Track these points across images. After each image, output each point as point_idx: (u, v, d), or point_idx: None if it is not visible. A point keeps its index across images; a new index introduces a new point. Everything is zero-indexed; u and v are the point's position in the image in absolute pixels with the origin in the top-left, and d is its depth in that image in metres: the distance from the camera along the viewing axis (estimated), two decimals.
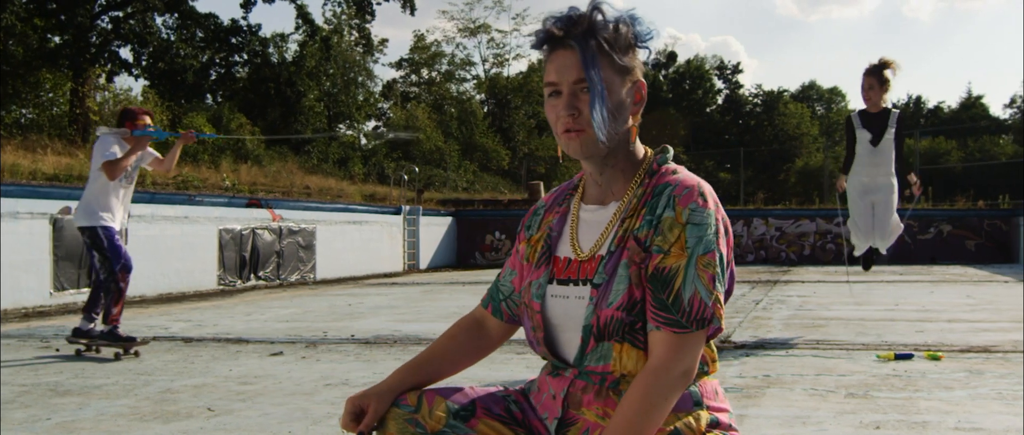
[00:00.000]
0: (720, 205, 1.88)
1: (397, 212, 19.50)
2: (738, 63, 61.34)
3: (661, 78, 56.46)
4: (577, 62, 1.82)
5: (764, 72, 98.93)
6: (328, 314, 9.71)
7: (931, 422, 4.11)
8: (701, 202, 1.82)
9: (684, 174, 1.89)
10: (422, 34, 48.15)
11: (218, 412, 4.53)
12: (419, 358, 2.07)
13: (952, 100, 62.20)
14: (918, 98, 58.48)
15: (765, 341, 6.93)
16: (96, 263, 6.59)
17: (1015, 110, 55.41)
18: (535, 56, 55.77)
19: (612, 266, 1.85)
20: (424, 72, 48.10)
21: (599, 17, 1.84)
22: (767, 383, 5.11)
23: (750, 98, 57.98)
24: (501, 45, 48.65)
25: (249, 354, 6.61)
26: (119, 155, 6.47)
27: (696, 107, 55.94)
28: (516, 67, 62.28)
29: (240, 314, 9.79)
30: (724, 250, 1.83)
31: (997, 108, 59.23)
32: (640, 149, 1.96)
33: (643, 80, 1.90)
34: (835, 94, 61.05)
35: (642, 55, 1.91)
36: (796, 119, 53.79)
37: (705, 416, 1.88)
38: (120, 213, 6.65)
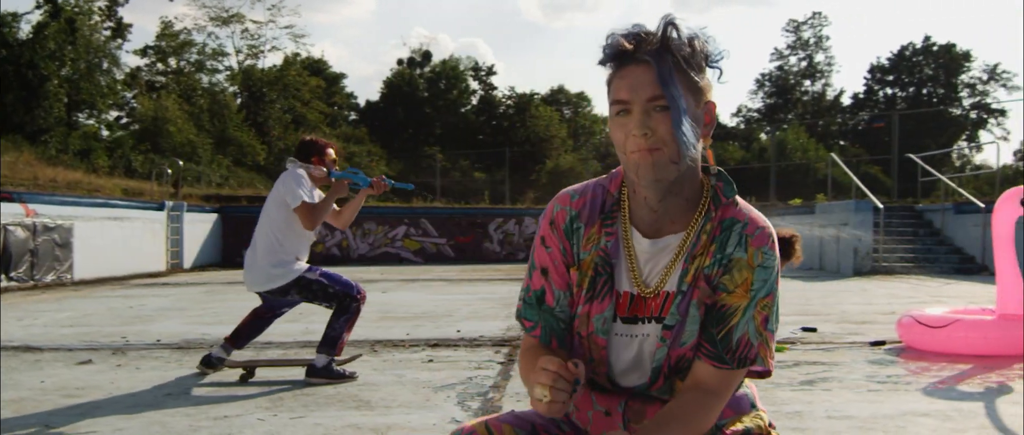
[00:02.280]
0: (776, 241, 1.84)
1: (160, 208, 18.37)
2: (492, 65, 62.55)
3: (417, 77, 56.66)
4: (652, 79, 1.70)
5: (516, 75, 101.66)
6: (112, 318, 8.97)
7: (804, 412, 4.33)
8: (771, 245, 1.78)
9: (750, 211, 1.82)
10: (170, 21, 45.71)
11: (56, 427, 4.05)
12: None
13: None
14: None
15: None
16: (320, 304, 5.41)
17: (741, 118, 60.13)
18: (292, 49, 54.60)
19: (685, 306, 1.79)
20: (172, 61, 45.62)
21: (673, 33, 1.73)
22: None
23: (503, 100, 59.31)
24: (256, 36, 46.86)
25: (51, 363, 5.99)
26: (316, 199, 5.32)
27: (451, 107, 56.54)
28: (271, 59, 60.47)
29: (11, 320, 8.83)
30: (778, 289, 1.81)
31: (725, 117, 63.65)
32: (701, 177, 1.83)
33: (713, 101, 1.79)
34: (582, 99, 63.61)
35: (712, 75, 1.80)
36: (546, 121, 55.56)
37: (764, 416, 1.93)
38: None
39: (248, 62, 46.94)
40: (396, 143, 49.57)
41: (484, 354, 6.31)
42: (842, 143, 56.35)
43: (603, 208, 1.89)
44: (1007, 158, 60.84)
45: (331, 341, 5.27)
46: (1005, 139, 58.26)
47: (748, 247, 1.77)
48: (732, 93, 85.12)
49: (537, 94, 59.18)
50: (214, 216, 20.81)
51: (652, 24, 1.76)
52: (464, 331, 7.57)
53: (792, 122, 55.80)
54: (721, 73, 1.82)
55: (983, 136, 57.93)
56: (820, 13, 62.01)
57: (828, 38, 62.53)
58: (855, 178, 17.58)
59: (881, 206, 15.73)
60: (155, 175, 23.17)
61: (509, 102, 58.23)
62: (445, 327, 7.89)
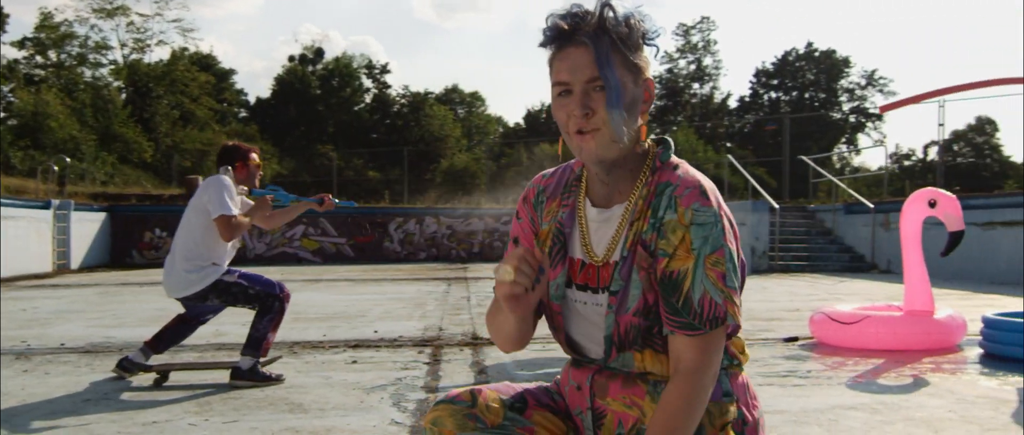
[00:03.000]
0: (723, 202, 1.85)
1: (46, 207, 17.61)
2: (386, 63, 62.04)
3: (310, 74, 55.80)
4: (590, 60, 1.76)
5: (410, 74, 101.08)
6: (7, 321, 8.53)
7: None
8: (703, 201, 1.78)
9: (685, 171, 1.85)
10: (50, 12, 43.89)
11: None
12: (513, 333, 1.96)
13: None
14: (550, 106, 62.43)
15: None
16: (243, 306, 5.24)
17: None
18: (179, 42, 53.07)
19: (626, 272, 1.82)
20: (52, 54, 43.76)
21: (610, 14, 1.78)
22: None
23: (397, 99, 58.90)
24: (142, 29, 45.34)
25: None
26: (236, 211, 5.12)
27: (344, 105, 55.90)
28: (158, 54, 58.49)
29: None
30: (732, 246, 1.80)
31: None
32: (645, 146, 1.90)
33: (651, 78, 1.86)
34: (476, 98, 63.69)
35: (649, 53, 1.86)
36: (441, 120, 55.43)
37: (732, 410, 1.90)
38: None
39: (134, 56, 45.44)
40: (288, 141, 48.72)
41: (407, 354, 6.25)
42: (729, 145, 57.87)
43: (566, 184, 1.99)
44: (882, 160, 63.51)
45: (255, 342, 5.13)
46: (881, 143, 60.78)
47: (678, 207, 1.78)
48: None
49: (431, 93, 59.01)
50: (103, 215, 20.05)
51: (589, 4, 1.80)
52: (382, 332, 7.48)
53: (681, 124, 57.00)
54: (657, 50, 1.86)
55: (862, 139, 60.34)
56: (708, 18, 63.72)
57: (716, 42, 64.08)
58: (752, 179, 18.08)
59: (777, 206, 16.21)
60: (41, 172, 22.20)
61: (403, 101, 57.89)
62: (361, 328, 7.79)
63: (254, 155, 5.43)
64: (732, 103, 64.32)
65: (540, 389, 2.00)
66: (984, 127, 56.51)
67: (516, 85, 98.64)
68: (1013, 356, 5.68)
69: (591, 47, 1.76)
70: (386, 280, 14.56)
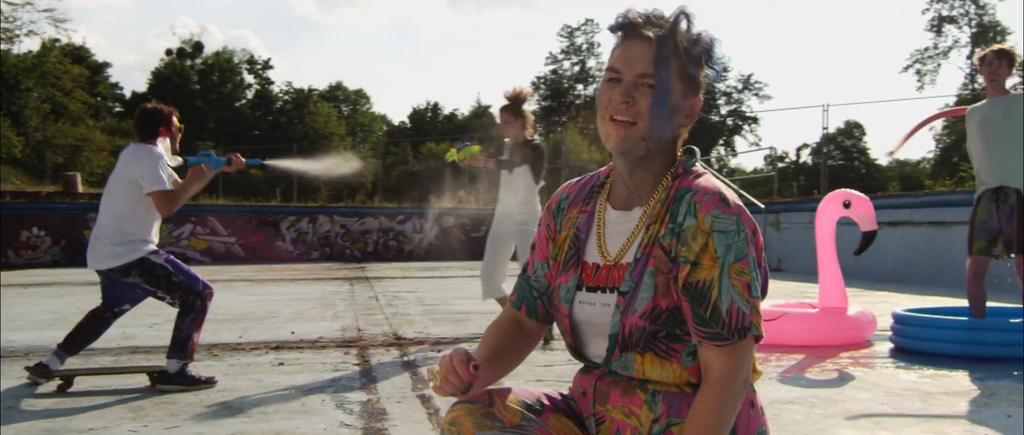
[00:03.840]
0: (744, 207, 1.85)
1: None
2: (268, 59, 60.68)
3: (189, 69, 54.27)
4: (648, 56, 1.79)
5: (293, 70, 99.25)
6: None
7: None
8: (723, 207, 1.78)
9: (706, 179, 1.86)
10: None
11: None
12: (489, 353, 1.97)
13: (465, 108, 67.20)
14: (436, 105, 62.37)
15: (439, 338, 7.03)
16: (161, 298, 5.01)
17: None
18: (51, 33, 50.78)
19: (638, 274, 1.83)
20: None
21: (684, 24, 1.83)
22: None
23: (280, 95, 57.81)
24: (11, 19, 43.18)
25: None
26: (170, 185, 4.91)
27: (225, 101, 54.59)
28: (28, 45, 55.81)
29: None
30: (754, 254, 1.81)
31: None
32: (675, 157, 1.92)
33: (701, 99, 1.89)
34: (360, 96, 63.01)
35: (707, 76, 1.88)
36: (325, 118, 54.67)
37: None
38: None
39: (2, 47, 43.29)
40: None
41: (333, 356, 6.14)
42: None
43: (590, 190, 2.01)
44: (758, 162, 65.67)
45: (181, 344, 4.94)
46: (757, 145, 62.80)
47: (697, 213, 1.78)
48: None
49: (315, 90, 58.15)
50: None
51: (668, 9, 1.85)
52: (299, 333, 7.33)
53: (567, 125, 57.65)
54: (717, 74, 1.89)
55: (738, 142, 62.20)
56: (592, 20, 64.35)
57: (599, 45, 64.93)
58: None
59: None
60: None
61: (286, 98, 56.87)
62: (276, 329, 7.61)
63: (175, 118, 5.20)
64: None
65: (556, 393, 2.01)
66: (852, 131, 58.95)
67: (401, 83, 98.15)
68: (921, 350, 5.94)
69: (653, 45, 1.79)
70: (285, 280, 14.26)
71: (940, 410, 4.37)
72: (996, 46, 6.02)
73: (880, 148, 62.35)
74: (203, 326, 5.11)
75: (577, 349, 1.98)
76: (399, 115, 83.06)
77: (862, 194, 6.57)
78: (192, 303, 4.98)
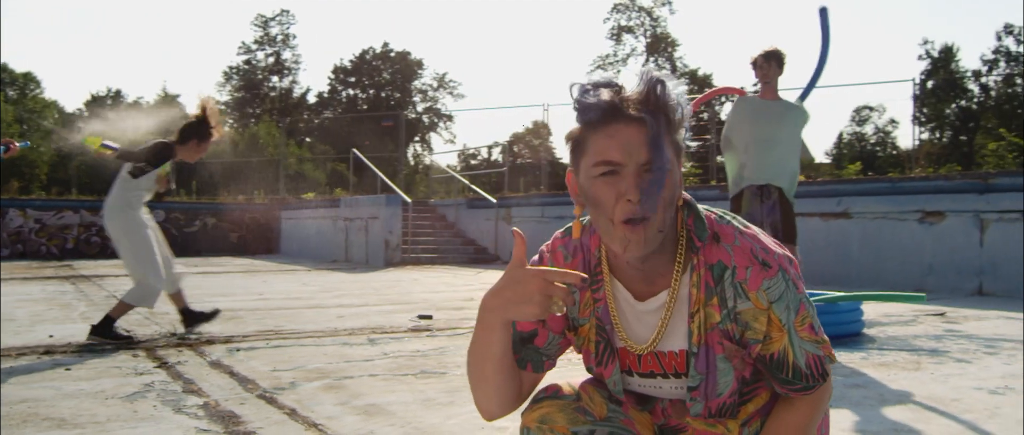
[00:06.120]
0: (775, 246, 1.77)
1: None
2: None
3: None
4: (645, 141, 1.62)
5: None
6: None
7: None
8: (767, 272, 1.70)
9: (733, 244, 1.74)
10: None
11: None
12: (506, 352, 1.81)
13: (150, 96, 63.40)
14: (118, 91, 58.43)
15: (239, 336, 6.63)
16: None
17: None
18: None
19: (703, 365, 1.76)
20: None
21: (660, 90, 1.66)
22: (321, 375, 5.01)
23: None
24: None
25: None
26: None
27: None
28: None
29: None
30: (803, 291, 1.76)
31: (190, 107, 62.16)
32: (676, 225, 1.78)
33: (683, 162, 1.77)
34: (29, 79, 57.78)
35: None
36: None
37: None
38: None
39: None
40: None
41: (121, 358, 5.59)
42: (309, 140, 58.00)
43: (589, 270, 1.85)
44: (452, 159, 67.31)
45: None
46: (452, 142, 64.39)
47: (748, 294, 1.71)
48: (202, 85, 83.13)
49: None
50: None
51: (625, 79, 1.69)
52: (60, 336, 6.60)
53: (262, 117, 56.10)
54: (686, 129, 1.75)
55: (434, 139, 63.46)
56: (288, 11, 63.05)
57: (295, 37, 63.70)
58: (381, 174, 18.36)
59: (410, 201, 16.64)
60: None
61: None
62: (28, 333, 6.78)
63: None
64: (311, 98, 64.47)
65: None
66: (540, 131, 61.96)
67: (77, 68, 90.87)
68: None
69: (648, 126, 1.62)
70: None
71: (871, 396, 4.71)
72: (766, 49, 6.29)
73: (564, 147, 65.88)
74: None
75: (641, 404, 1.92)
76: (75, 102, 76.73)
77: None
78: None
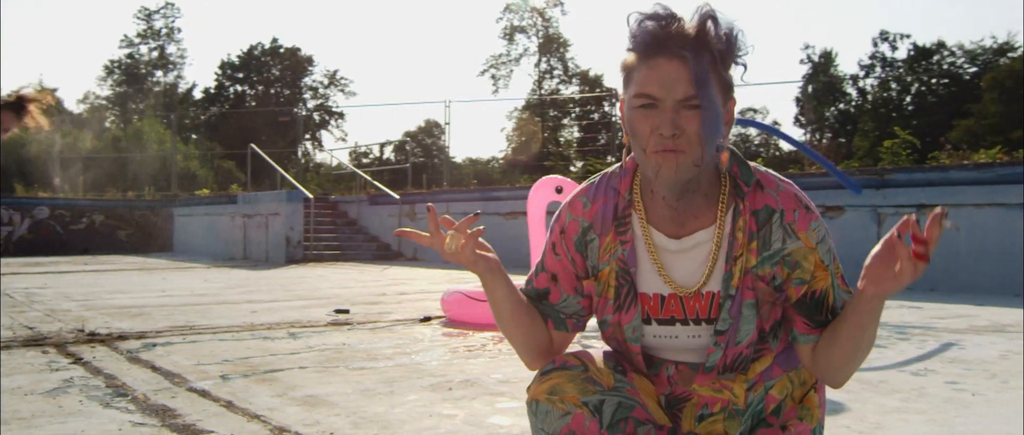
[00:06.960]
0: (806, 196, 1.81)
1: None
2: None
3: None
4: (687, 76, 1.61)
5: None
6: None
7: (474, 379, 4.53)
8: (813, 216, 1.75)
9: (779, 189, 1.77)
10: None
11: None
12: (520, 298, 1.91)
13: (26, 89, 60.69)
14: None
15: (151, 332, 6.42)
16: None
17: (88, 105, 56.97)
18: None
19: (736, 309, 1.76)
20: None
21: (711, 26, 1.64)
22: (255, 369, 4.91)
23: None
24: None
25: None
26: None
27: None
28: None
29: None
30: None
31: (72, 103, 59.80)
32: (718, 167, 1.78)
33: (735, 99, 1.74)
34: None
35: (737, 71, 1.73)
36: None
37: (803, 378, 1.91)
38: None
39: None
40: None
41: (31, 355, 5.35)
42: (195, 136, 56.54)
43: (616, 213, 1.84)
44: (343, 157, 66.57)
45: None
46: (344, 140, 63.66)
47: (799, 234, 1.73)
48: (81, 79, 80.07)
49: None
50: None
51: (683, 9, 1.67)
52: None
53: (146, 112, 54.43)
54: (745, 69, 1.73)
55: (325, 136, 62.63)
56: (172, 4, 61.28)
57: (180, 30, 62.00)
58: (281, 170, 18.04)
59: (311, 197, 16.38)
60: None
61: None
62: None
63: None
64: (198, 94, 62.86)
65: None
66: (432, 129, 61.79)
67: None
68: None
69: (690, 62, 1.61)
70: None
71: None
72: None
73: (459, 147, 65.81)
74: None
75: (649, 366, 1.90)
76: None
77: (572, 180, 7.00)
78: None
